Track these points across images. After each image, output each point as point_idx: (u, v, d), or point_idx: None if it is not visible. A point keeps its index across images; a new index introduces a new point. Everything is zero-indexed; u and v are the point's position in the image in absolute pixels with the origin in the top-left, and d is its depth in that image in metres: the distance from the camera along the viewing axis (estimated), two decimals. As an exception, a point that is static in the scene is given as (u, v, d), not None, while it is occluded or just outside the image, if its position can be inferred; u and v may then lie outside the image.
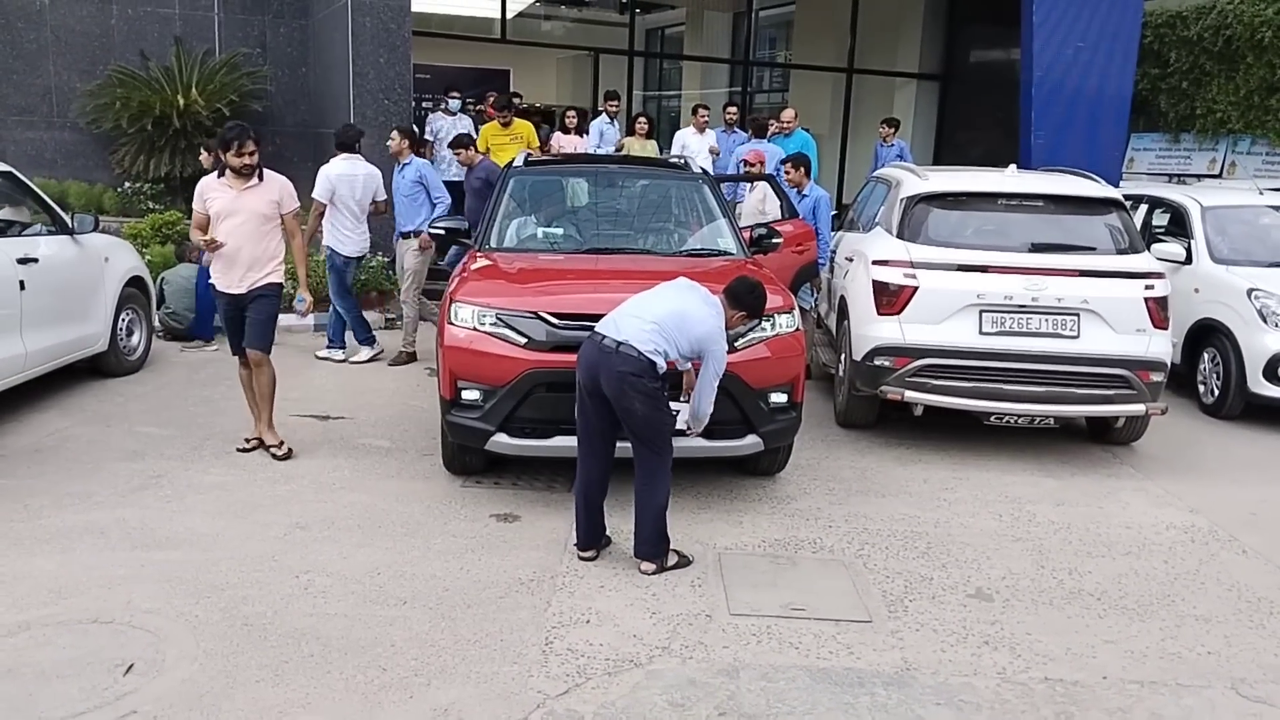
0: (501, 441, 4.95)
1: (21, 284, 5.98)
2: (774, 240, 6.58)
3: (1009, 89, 11.22)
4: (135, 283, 7.45)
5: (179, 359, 8.01)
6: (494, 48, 14.18)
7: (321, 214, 7.77)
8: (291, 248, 5.74)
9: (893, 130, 12.14)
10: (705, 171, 6.79)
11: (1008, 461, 6.10)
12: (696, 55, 17.69)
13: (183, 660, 3.51)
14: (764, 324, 5.09)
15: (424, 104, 12.44)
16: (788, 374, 5.15)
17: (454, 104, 10.92)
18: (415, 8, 10.17)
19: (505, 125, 10.09)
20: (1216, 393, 7.26)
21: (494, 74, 14.35)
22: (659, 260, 5.81)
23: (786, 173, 7.90)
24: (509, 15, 14.20)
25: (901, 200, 6.52)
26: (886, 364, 6.08)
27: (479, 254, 5.80)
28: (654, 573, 4.33)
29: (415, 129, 7.81)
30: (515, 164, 6.55)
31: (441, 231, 6.23)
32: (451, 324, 5.05)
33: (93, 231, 7.00)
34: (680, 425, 4.69)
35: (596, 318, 4.44)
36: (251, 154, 5.44)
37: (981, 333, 5.95)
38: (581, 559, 4.45)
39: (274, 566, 4.28)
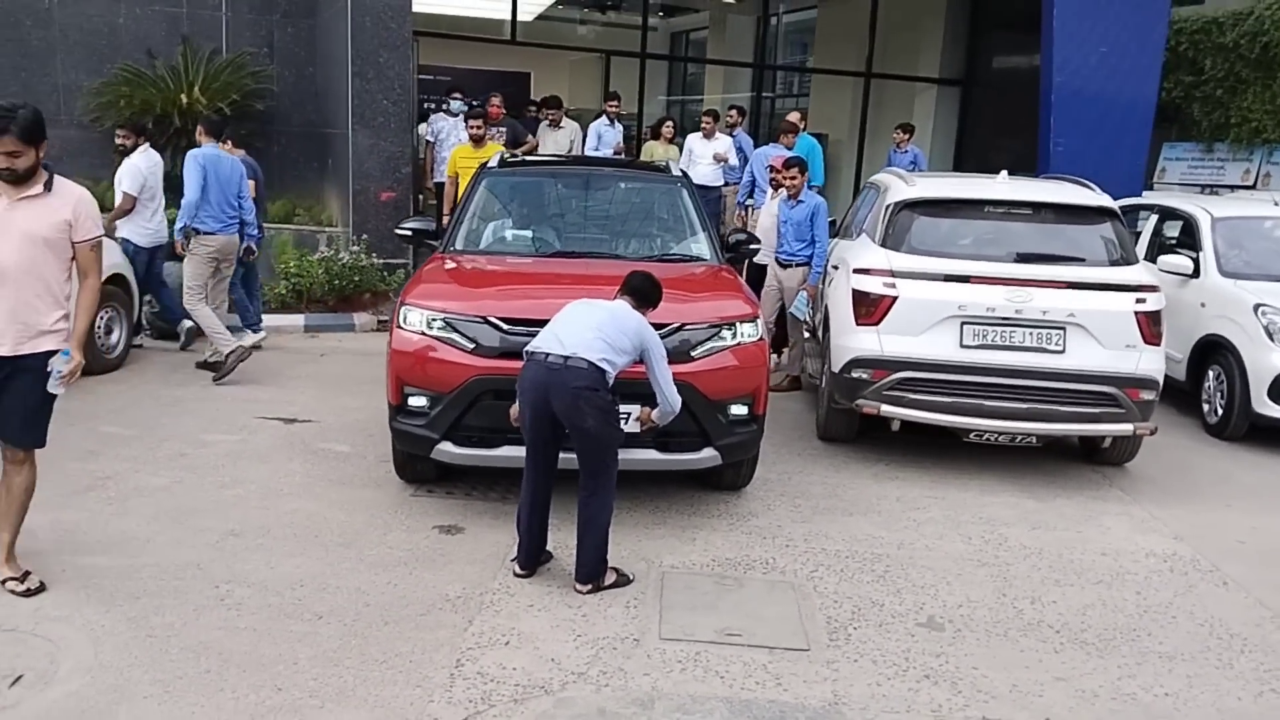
0: (447, 450, 4.79)
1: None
2: (753, 246, 6.38)
3: (1032, 94, 10.87)
4: (116, 280, 7.38)
5: (161, 359, 7.94)
6: (512, 50, 13.99)
7: (129, 210, 7.78)
8: (80, 290, 3.96)
9: (907, 136, 11.83)
10: (684, 175, 6.59)
11: (991, 481, 5.82)
12: (710, 59, 17.44)
13: (75, 673, 3.39)
14: (724, 332, 4.91)
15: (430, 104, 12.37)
16: (748, 385, 4.94)
17: (456, 105, 10.78)
18: (427, 9, 10.03)
19: (478, 145, 8.68)
20: (1220, 412, 6.91)
21: (513, 77, 14.22)
22: (625, 265, 5.61)
23: (792, 178, 7.51)
24: (527, 18, 14.06)
25: (886, 207, 6.28)
26: (864, 376, 5.84)
27: (442, 256, 5.66)
28: (589, 592, 4.15)
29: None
30: (489, 165, 6.41)
31: (409, 233, 6.10)
32: (399, 328, 4.91)
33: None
34: (632, 428, 4.52)
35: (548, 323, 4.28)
36: (13, 154, 3.62)
37: (962, 345, 5.70)
38: (518, 576, 4.27)
39: (196, 575, 4.15)
